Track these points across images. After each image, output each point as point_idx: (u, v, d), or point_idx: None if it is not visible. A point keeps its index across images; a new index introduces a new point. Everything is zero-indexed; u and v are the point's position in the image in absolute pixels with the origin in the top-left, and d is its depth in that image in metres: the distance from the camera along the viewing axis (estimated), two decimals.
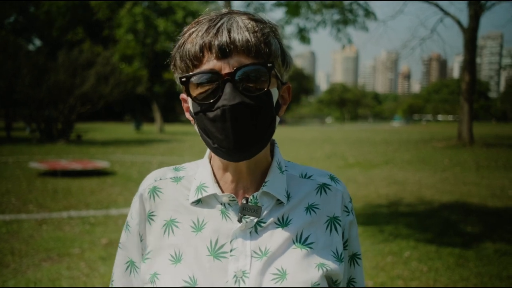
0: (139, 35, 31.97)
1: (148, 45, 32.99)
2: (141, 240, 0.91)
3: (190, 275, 0.83)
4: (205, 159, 0.94)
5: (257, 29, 0.80)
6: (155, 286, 0.85)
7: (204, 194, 0.88)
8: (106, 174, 10.66)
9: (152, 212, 0.91)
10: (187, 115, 0.90)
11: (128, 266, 0.93)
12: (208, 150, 0.92)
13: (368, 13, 9.45)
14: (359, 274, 0.98)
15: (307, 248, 0.87)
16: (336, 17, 9.46)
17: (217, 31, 0.79)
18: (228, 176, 0.89)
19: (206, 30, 0.80)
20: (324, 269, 0.86)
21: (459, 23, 20.53)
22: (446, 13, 20.46)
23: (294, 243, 0.86)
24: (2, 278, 4.11)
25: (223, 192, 0.89)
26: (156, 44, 32.81)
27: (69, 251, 4.87)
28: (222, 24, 0.80)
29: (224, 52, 0.78)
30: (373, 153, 17.54)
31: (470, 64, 20.61)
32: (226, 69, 0.79)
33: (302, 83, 78.36)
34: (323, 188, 0.94)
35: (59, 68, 21.26)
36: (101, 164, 11.21)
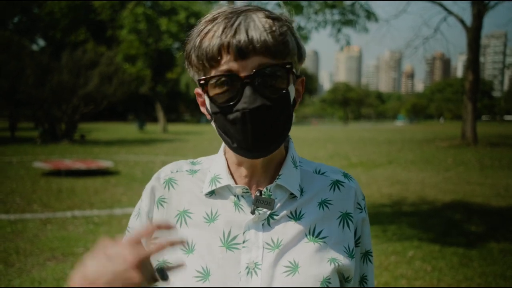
0: (142, 35, 32.03)
1: (151, 45, 33.05)
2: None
3: (203, 265, 0.84)
4: (220, 153, 0.94)
5: (274, 28, 0.79)
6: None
7: (218, 185, 0.89)
8: (110, 173, 10.69)
9: (163, 198, 0.92)
10: (203, 109, 0.89)
11: None
12: (223, 145, 0.93)
13: (369, 15, 9.44)
14: (370, 271, 0.98)
15: (320, 242, 0.87)
16: (337, 17, 9.45)
17: (235, 31, 0.77)
18: (242, 171, 0.89)
19: (224, 29, 0.78)
20: (336, 264, 0.86)
21: (462, 22, 20.46)
22: (450, 12, 20.41)
23: (306, 236, 0.87)
24: (7, 278, 4.13)
25: (236, 184, 0.89)
26: (159, 43, 32.85)
27: (74, 250, 4.90)
28: (239, 23, 0.78)
29: (242, 53, 0.77)
30: (376, 152, 17.51)
31: (473, 63, 20.53)
32: (245, 71, 0.77)
33: (305, 83, 78.25)
34: (336, 184, 0.94)
35: (63, 68, 21.32)
36: (105, 163, 11.24)
